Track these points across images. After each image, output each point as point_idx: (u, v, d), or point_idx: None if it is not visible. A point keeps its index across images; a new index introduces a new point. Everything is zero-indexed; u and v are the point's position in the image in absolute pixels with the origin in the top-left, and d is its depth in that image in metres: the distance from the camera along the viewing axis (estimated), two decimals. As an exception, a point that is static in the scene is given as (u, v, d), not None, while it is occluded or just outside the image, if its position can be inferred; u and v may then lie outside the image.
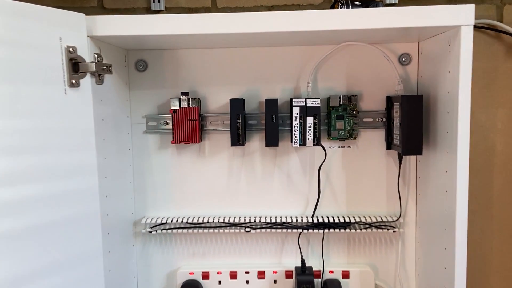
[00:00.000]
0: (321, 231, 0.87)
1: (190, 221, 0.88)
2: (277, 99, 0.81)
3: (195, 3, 0.92)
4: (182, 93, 0.86)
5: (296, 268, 0.89)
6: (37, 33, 0.61)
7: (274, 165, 0.89)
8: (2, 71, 0.58)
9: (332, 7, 0.81)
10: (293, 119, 0.80)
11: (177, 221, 0.88)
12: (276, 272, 0.89)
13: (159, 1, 0.92)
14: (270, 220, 0.87)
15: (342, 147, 0.89)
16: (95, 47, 0.73)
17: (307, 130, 0.82)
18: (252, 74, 0.87)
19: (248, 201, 0.89)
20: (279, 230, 0.87)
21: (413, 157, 0.89)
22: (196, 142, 0.86)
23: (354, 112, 0.86)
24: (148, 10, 0.93)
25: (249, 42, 0.82)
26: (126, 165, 0.89)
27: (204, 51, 0.87)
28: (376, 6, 0.73)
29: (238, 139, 0.84)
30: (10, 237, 0.59)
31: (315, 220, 0.87)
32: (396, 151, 0.87)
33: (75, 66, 0.68)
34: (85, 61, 0.69)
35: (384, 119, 0.87)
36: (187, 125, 0.86)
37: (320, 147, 0.85)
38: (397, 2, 0.88)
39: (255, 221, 0.87)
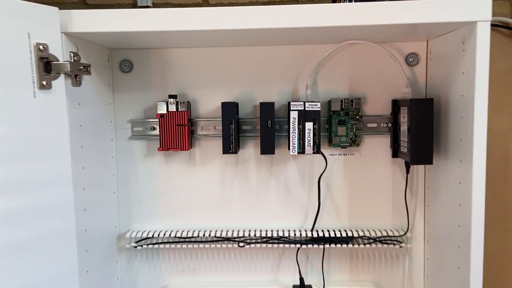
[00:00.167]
0: (321, 246, 0.81)
1: (179, 235, 0.81)
2: (273, 103, 0.75)
3: (185, -2, 0.86)
4: (170, 96, 0.79)
5: (294, 286, 0.83)
6: None
7: (270, 174, 0.83)
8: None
9: (334, 1, 0.74)
10: (291, 124, 0.74)
11: (165, 234, 0.82)
12: (272, 290, 0.83)
13: (146, -3, 0.85)
14: (266, 234, 0.81)
15: (344, 154, 0.83)
16: (71, 45, 0.66)
17: (306, 137, 0.75)
18: (247, 76, 0.81)
19: (242, 213, 0.83)
20: (275, 245, 0.81)
21: (421, 166, 0.82)
22: (185, 149, 0.79)
23: (357, 117, 0.80)
24: (134, 6, 0.87)
25: (243, 41, 0.76)
26: (109, 174, 0.82)
27: (194, 51, 0.81)
28: (382, 0, 0.66)
29: (230, 146, 0.77)
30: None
31: (315, 234, 0.81)
32: (403, 159, 0.80)
33: (46, 66, 0.60)
34: (58, 61, 0.62)
35: (390, 125, 0.81)
36: (176, 131, 0.80)
37: (320, 155, 0.78)
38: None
39: (249, 235, 0.81)
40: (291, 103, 0.74)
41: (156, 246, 0.83)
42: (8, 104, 0.56)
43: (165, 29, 0.64)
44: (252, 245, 0.81)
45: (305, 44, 0.80)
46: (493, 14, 0.77)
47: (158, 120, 0.80)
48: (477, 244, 0.65)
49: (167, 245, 0.82)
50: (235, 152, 0.77)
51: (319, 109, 0.75)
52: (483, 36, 0.63)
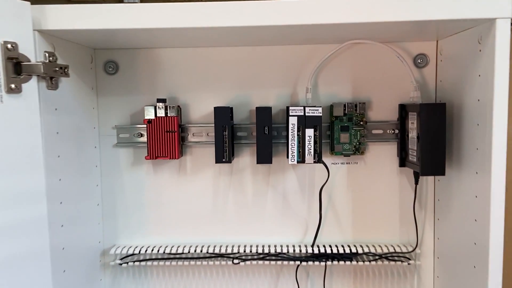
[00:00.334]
0: (322, 263, 0.76)
1: (168, 250, 0.76)
2: (271, 108, 0.72)
3: (175, -5, 0.80)
4: (159, 100, 0.74)
5: (294, 307, 0.76)
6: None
7: (268, 185, 0.78)
8: None
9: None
10: (290, 131, 0.70)
11: (153, 250, 0.77)
12: (269, 311, 0.77)
13: (133, -8, 0.79)
14: (263, 250, 0.76)
15: (347, 163, 0.78)
16: (46, 44, 0.60)
17: (307, 144, 0.70)
18: (242, 78, 0.76)
19: (237, 227, 0.79)
20: (273, 262, 0.76)
21: (431, 176, 0.76)
22: (175, 158, 0.74)
23: (362, 123, 0.75)
24: (121, 2, 0.80)
25: (238, 40, 0.71)
26: (92, 185, 0.76)
27: (185, 51, 0.76)
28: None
29: (224, 154, 0.72)
30: None
31: (316, 250, 0.76)
32: (411, 169, 0.74)
33: (16, 67, 0.54)
34: (29, 61, 0.55)
35: (397, 131, 0.76)
36: (165, 138, 0.74)
37: (322, 165, 0.72)
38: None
39: (245, 251, 0.76)
40: (290, 107, 0.70)
41: (143, 263, 0.78)
42: (-30, 109, 0.49)
43: (152, 26, 0.58)
44: (248, 262, 0.77)
45: (306, 44, 0.75)
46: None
47: (145, 126, 0.74)
48: (496, 265, 0.59)
49: (156, 262, 0.77)
50: (229, 161, 0.72)
51: (321, 114, 0.70)
52: (503, 34, 0.57)
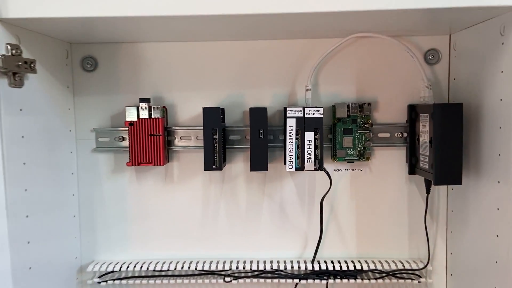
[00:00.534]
0: (324, 281, 0.70)
1: (153, 267, 0.71)
2: (266, 108, 0.66)
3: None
4: (142, 100, 0.68)
5: (292, 330, 0.70)
6: None
7: (263, 194, 0.73)
8: None
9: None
10: (288, 134, 0.65)
11: (135, 267, 0.71)
12: (265, 334, 0.72)
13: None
14: (258, 266, 0.71)
15: (350, 170, 0.72)
16: (8, 35, 0.53)
17: (306, 149, 0.65)
18: (234, 76, 0.71)
19: (229, 241, 0.73)
20: (269, 280, 0.71)
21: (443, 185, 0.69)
22: (160, 164, 0.68)
23: (367, 125, 0.69)
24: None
25: (230, 33, 0.66)
26: (67, 195, 0.70)
27: (171, 45, 0.71)
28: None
29: (214, 160, 0.66)
30: None
31: (316, 267, 0.70)
32: (422, 177, 0.68)
33: (-30, 59, 0.46)
34: (-14, 53, 0.48)
35: (406, 135, 0.70)
36: (148, 142, 0.68)
37: (323, 172, 0.66)
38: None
39: (237, 268, 0.71)
40: (288, 108, 0.65)
41: (125, 281, 0.72)
42: None
43: (135, 14, 0.52)
44: (241, 280, 0.71)
45: (305, 38, 0.70)
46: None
47: (127, 129, 0.68)
48: (522, 287, 0.52)
49: (139, 280, 0.72)
50: (220, 168, 0.66)
51: (322, 115, 0.65)
52: (531, 24, 0.50)
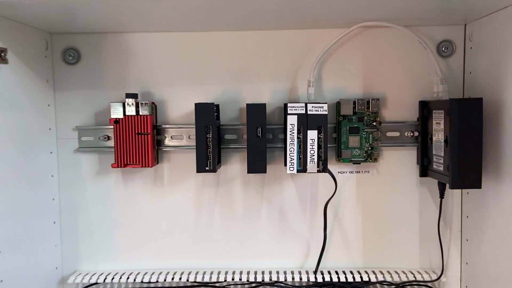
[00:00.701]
0: None
1: (141, 279, 0.67)
2: (265, 104, 0.62)
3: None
4: (128, 95, 0.64)
5: None
6: None
7: (261, 198, 0.69)
8: None
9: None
10: (289, 133, 0.61)
11: (121, 278, 0.67)
12: None
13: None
14: (255, 277, 0.67)
15: (357, 172, 0.68)
16: (-26, 19, 0.47)
17: (309, 149, 0.60)
18: (230, 69, 0.67)
19: (224, 250, 0.70)
20: None
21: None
22: (148, 166, 0.64)
23: (375, 124, 0.65)
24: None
25: (226, 23, 0.63)
26: (47, 200, 0.66)
27: (162, 36, 0.67)
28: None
29: (207, 162, 0.61)
30: None
31: (320, 278, 0.67)
32: (435, 179, 0.63)
33: None
34: None
35: (417, 134, 0.66)
36: (136, 141, 0.64)
37: (327, 174, 0.62)
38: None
39: (233, 279, 0.67)
40: (289, 104, 0.61)
41: None
42: None
43: None
44: None
45: (307, 29, 0.66)
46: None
47: (112, 127, 0.64)
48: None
49: None
50: (214, 170, 0.62)
51: (326, 112, 0.61)
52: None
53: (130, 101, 0.63)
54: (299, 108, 0.60)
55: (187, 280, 0.66)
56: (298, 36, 0.66)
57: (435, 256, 0.67)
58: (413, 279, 0.65)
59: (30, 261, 0.60)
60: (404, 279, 0.65)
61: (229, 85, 0.67)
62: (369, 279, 0.65)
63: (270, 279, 0.66)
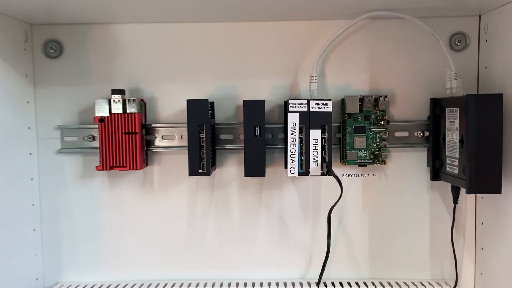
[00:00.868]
0: None
1: None
2: (263, 101, 0.58)
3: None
4: (115, 92, 0.60)
5: None
6: None
7: (260, 203, 0.65)
8: None
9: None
10: (289, 132, 0.57)
11: None
12: None
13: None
14: None
15: (362, 175, 0.64)
16: None
17: (311, 150, 0.56)
18: (226, 64, 0.64)
19: (219, 259, 0.66)
20: None
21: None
22: (136, 168, 0.59)
23: (382, 123, 0.61)
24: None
25: (222, 13, 0.59)
26: (26, 205, 0.62)
27: (151, 28, 0.63)
28: None
29: (201, 164, 0.57)
30: None
31: None
32: (448, 183, 0.59)
33: None
34: None
35: (428, 134, 0.62)
36: (123, 142, 0.59)
37: (331, 177, 0.58)
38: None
39: None
40: (290, 101, 0.57)
41: None
42: None
43: None
44: None
45: (309, 20, 0.63)
46: None
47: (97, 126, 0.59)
48: None
49: None
50: (207, 173, 0.57)
51: (330, 110, 0.57)
52: None
53: (116, 97, 0.58)
54: (301, 105, 0.55)
55: (179, 293, 0.62)
56: (299, 28, 0.62)
57: (447, 266, 0.63)
58: (424, 291, 0.61)
59: (8, 271, 0.56)
60: (414, 291, 0.61)
61: (224, 81, 0.63)
62: (376, 291, 0.61)
63: (269, 291, 0.62)
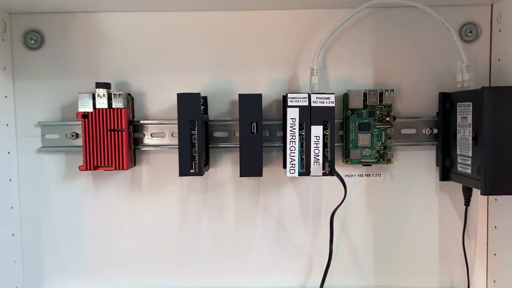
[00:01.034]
0: None
1: None
2: (261, 95, 0.55)
3: None
4: (99, 85, 0.56)
5: None
6: None
7: (257, 206, 0.61)
8: None
9: None
10: (289, 129, 0.53)
11: None
12: None
13: None
14: None
15: (367, 176, 0.61)
16: None
17: (313, 148, 0.53)
18: (220, 56, 0.60)
19: (213, 266, 0.62)
20: None
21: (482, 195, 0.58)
22: (122, 168, 0.56)
23: (388, 119, 0.57)
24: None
25: (215, 1, 0.56)
26: (4, 208, 0.58)
27: (139, 16, 0.59)
28: None
29: (192, 163, 0.54)
30: None
31: None
32: (460, 183, 0.55)
33: None
34: None
35: (436, 131, 0.58)
36: (108, 139, 0.55)
37: (333, 178, 0.54)
38: None
39: None
40: (289, 95, 0.54)
41: None
42: None
43: None
44: None
45: (309, 9, 0.60)
46: None
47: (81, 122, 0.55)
48: None
49: None
50: (200, 173, 0.54)
51: (333, 104, 0.53)
52: None
53: (101, 91, 0.54)
54: (301, 100, 0.52)
55: (170, 302, 0.58)
56: (299, 17, 0.59)
57: (457, 272, 0.60)
58: (434, 300, 0.57)
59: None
60: (422, 300, 0.57)
61: (219, 74, 0.59)
62: (382, 300, 0.58)
63: (267, 301, 0.58)
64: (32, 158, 0.60)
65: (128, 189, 0.60)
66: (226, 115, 0.59)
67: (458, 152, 0.53)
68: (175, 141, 0.58)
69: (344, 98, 0.57)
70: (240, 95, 0.53)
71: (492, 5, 0.57)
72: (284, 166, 0.55)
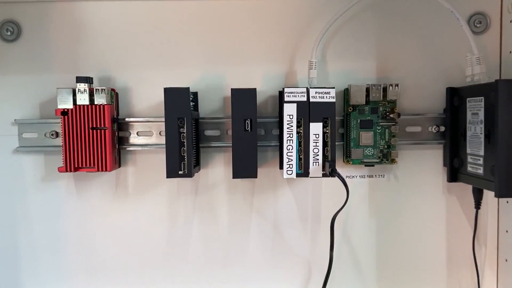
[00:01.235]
0: None
1: None
2: (255, 89, 0.51)
3: None
4: (80, 80, 0.52)
5: None
6: None
7: (251, 209, 0.58)
8: None
9: None
10: (286, 126, 0.50)
11: None
12: None
13: None
14: None
15: (369, 177, 0.57)
16: None
17: (312, 147, 0.50)
18: (211, 48, 0.57)
19: (204, 273, 0.59)
20: None
21: (493, 198, 0.54)
22: (106, 170, 0.52)
23: (392, 116, 0.54)
24: None
25: None
26: None
27: (124, 5, 0.56)
28: None
29: (181, 164, 0.50)
30: None
31: None
32: (469, 184, 0.52)
33: None
34: None
35: (443, 129, 0.55)
36: (89, 138, 0.51)
37: (333, 179, 0.50)
38: None
39: None
40: (286, 90, 0.50)
41: None
42: None
43: None
44: None
45: None
46: None
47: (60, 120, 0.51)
48: None
49: None
50: (189, 175, 0.50)
51: (334, 100, 0.50)
52: None
53: (82, 86, 0.50)
54: (299, 95, 0.48)
55: (157, 314, 0.54)
56: (296, 6, 0.55)
57: (466, 279, 0.57)
58: (441, 310, 0.54)
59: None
60: (429, 310, 0.54)
61: (210, 68, 0.56)
62: (387, 310, 0.54)
63: (262, 312, 0.54)
64: (8, 159, 0.56)
65: (113, 192, 0.56)
66: (218, 112, 0.56)
67: (468, 151, 0.49)
68: (163, 140, 0.53)
69: (345, 94, 0.54)
70: (232, 89, 0.49)
71: (502, -7, 0.54)
72: (281, 167, 0.51)
